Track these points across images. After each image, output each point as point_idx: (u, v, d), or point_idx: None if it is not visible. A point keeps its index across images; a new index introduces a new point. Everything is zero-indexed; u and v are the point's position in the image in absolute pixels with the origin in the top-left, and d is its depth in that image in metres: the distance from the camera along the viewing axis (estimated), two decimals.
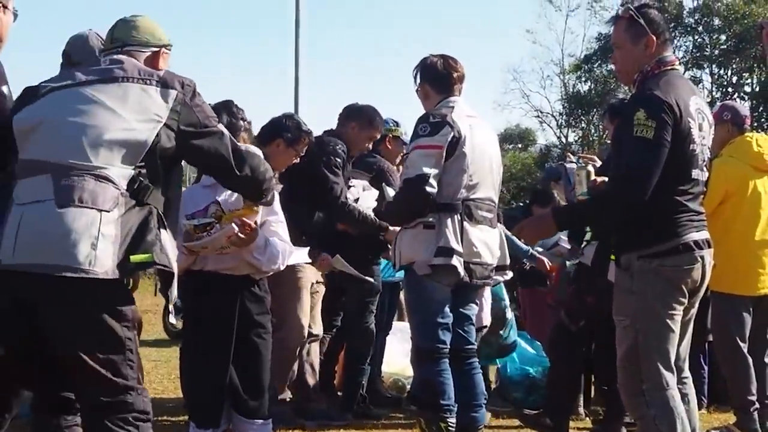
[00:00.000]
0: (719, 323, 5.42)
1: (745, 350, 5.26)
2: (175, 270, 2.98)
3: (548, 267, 6.62)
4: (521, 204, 7.56)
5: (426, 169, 4.18)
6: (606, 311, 4.44)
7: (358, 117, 5.54)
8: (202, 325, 4.04)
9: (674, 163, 3.46)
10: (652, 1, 3.94)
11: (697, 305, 3.69)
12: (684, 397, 3.60)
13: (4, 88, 3.14)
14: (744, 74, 32.39)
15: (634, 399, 3.57)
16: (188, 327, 4.29)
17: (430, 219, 4.24)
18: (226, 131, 3.13)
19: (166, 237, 2.94)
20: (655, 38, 3.59)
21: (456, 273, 4.21)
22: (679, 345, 3.61)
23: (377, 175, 5.69)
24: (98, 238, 2.72)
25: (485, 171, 4.40)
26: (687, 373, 3.70)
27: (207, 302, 4.02)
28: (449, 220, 4.22)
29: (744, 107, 4.82)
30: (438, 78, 4.47)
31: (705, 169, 3.62)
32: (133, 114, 2.88)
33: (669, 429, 3.45)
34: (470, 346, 4.49)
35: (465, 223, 4.25)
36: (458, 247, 4.19)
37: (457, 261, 4.18)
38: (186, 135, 2.98)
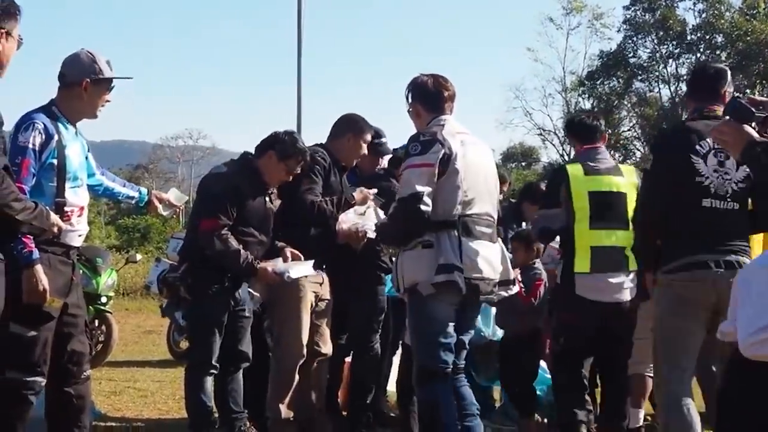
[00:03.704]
0: None
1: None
2: None
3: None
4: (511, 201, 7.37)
5: (419, 188, 4.15)
6: (587, 329, 4.73)
7: (351, 127, 5.42)
8: None
9: (680, 193, 4.10)
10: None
11: None
12: None
13: None
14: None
15: (656, 389, 4.35)
16: None
17: (428, 238, 4.20)
18: None
19: None
20: (690, 95, 4.42)
21: (458, 289, 4.16)
22: None
23: (389, 201, 5.30)
24: None
25: (480, 186, 4.37)
26: None
27: None
28: (447, 237, 4.18)
29: None
30: (429, 97, 4.45)
31: (730, 199, 4.08)
32: None
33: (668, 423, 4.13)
34: (459, 363, 4.43)
35: (463, 239, 4.21)
36: (458, 263, 4.15)
37: (458, 276, 4.14)
38: None
